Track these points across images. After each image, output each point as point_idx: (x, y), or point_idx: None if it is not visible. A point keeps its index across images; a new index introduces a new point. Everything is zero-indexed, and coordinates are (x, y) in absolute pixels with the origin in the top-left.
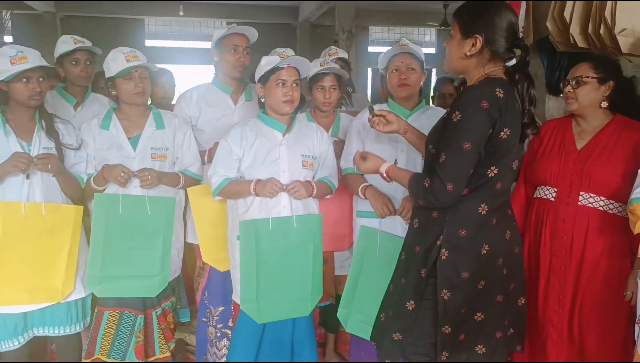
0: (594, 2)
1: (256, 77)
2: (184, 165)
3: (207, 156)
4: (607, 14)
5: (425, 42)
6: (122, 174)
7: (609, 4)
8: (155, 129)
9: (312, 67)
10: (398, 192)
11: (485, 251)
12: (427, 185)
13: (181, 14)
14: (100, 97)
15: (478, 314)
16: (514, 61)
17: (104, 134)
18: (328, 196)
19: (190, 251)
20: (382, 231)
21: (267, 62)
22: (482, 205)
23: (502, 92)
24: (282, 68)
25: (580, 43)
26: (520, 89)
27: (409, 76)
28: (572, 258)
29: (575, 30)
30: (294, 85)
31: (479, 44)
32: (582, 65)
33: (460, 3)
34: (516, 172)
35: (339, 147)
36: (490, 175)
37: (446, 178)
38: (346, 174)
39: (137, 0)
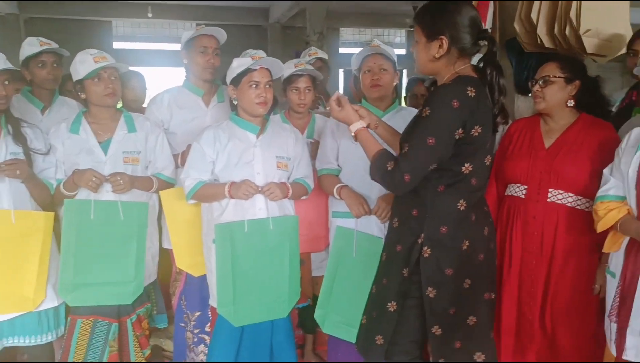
0: (560, 4)
1: (228, 80)
2: (157, 169)
3: (179, 159)
4: (572, 15)
5: (395, 43)
6: (94, 179)
7: (573, 5)
8: (127, 132)
9: (286, 69)
10: (373, 192)
11: (465, 247)
12: (389, 168)
13: (150, 15)
14: (68, 100)
15: (470, 317)
16: (479, 56)
17: (73, 138)
18: (304, 197)
19: (166, 256)
20: (358, 231)
21: (238, 64)
22: (460, 201)
23: (473, 90)
24: (255, 70)
25: (547, 44)
26: (490, 79)
27: (382, 76)
28: (542, 253)
29: (542, 31)
30: (267, 86)
31: (445, 45)
32: (549, 65)
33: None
34: (489, 168)
35: (314, 148)
36: (465, 172)
37: (405, 169)
38: (322, 176)
39: (104, 0)
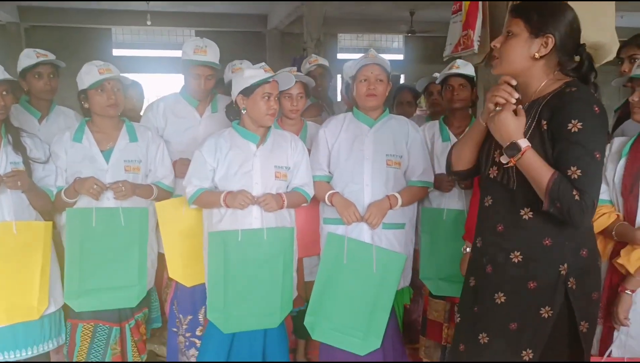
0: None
1: (236, 88)
2: (157, 177)
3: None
4: None
5: (393, 48)
6: (95, 186)
7: None
8: (129, 141)
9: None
10: (364, 198)
11: (599, 265)
12: (576, 197)
13: (149, 23)
14: (65, 110)
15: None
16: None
17: (76, 146)
18: (304, 204)
19: (162, 262)
20: (348, 238)
21: (252, 75)
22: (592, 218)
23: (597, 95)
24: (268, 82)
25: None
26: (597, 92)
27: (377, 86)
28: None
29: None
30: (276, 98)
31: (550, 44)
32: None
33: (424, 7)
34: None
35: None
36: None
37: (593, 194)
38: (313, 182)
39: (104, 9)
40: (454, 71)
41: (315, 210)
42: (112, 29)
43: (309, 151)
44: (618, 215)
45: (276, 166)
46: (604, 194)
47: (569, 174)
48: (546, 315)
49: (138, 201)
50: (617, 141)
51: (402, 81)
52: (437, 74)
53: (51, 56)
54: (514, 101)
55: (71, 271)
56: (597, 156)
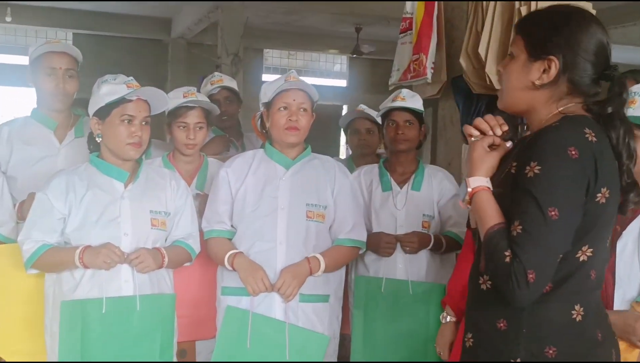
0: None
1: (91, 109)
2: None
3: (17, 211)
4: None
5: (334, 72)
6: None
7: None
8: None
9: (172, 99)
10: (278, 260)
11: None
12: (507, 259)
13: (8, 19)
14: None
15: None
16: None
17: None
18: (187, 264)
19: None
20: (254, 314)
21: (109, 92)
22: (576, 307)
23: (593, 135)
24: (130, 101)
25: (498, 85)
26: (615, 136)
27: (300, 117)
28: None
29: (491, 70)
30: (143, 123)
31: (553, 70)
32: None
33: (373, 22)
34: (609, 253)
35: (202, 203)
36: (581, 259)
37: (528, 262)
38: (209, 239)
39: None
40: (399, 103)
41: (211, 276)
42: None
43: (207, 196)
44: None
45: (152, 211)
46: None
47: (511, 230)
48: None
49: None
50: None
51: (344, 113)
52: (363, 106)
53: None
54: (491, 133)
55: None
56: (552, 213)
